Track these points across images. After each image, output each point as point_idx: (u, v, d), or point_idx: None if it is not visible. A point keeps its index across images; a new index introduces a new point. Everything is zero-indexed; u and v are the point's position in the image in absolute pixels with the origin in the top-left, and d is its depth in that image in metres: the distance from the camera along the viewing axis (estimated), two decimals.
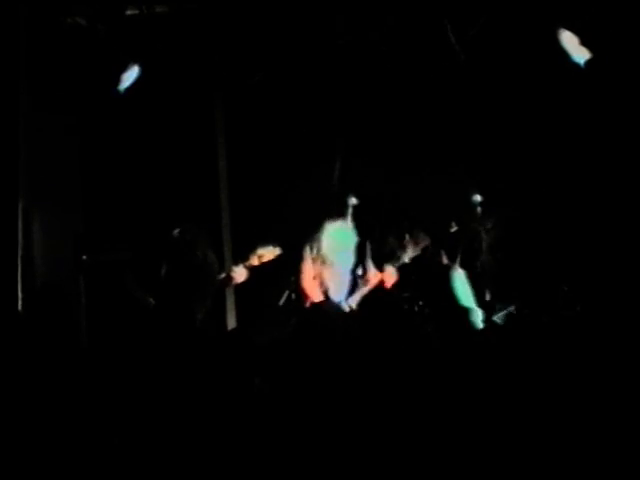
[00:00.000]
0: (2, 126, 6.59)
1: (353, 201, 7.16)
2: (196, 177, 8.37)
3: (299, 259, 7.07)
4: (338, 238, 6.91)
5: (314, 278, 6.98)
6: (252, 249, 6.83)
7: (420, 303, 7.04)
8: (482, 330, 6.10)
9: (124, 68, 7.41)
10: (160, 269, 6.66)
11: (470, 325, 5.92)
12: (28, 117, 6.71)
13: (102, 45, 7.44)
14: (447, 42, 7.51)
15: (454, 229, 7.36)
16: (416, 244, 7.56)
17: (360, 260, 7.04)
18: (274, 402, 4.05)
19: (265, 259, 6.85)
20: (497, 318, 6.23)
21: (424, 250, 7.56)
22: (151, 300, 6.59)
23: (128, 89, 7.46)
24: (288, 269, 7.21)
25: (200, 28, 7.53)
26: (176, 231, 6.73)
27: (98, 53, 7.50)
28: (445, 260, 7.52)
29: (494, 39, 7.53)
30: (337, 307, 6.16)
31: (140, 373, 4.85)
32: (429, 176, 8.12)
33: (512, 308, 6.29)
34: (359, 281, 7.02)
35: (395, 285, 7.20)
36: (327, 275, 6.96)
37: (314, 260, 7.01)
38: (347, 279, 6.90)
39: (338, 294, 6.83)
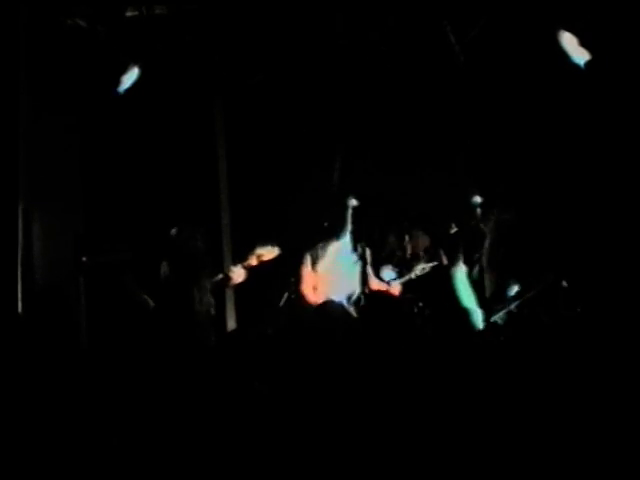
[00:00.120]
0: (2, 126, 6.59)
1: (353, 202, 7.16)
2: (196, 178, 8.38)
3: (299, 261, 7.08)
4: (338, 259, 6.95)
5: (314, 288, 7.02)
6: (252, 249, 6.83)
7: (420, 304, 7.05)
8: (482, 330, 6.11)
9: (124, 69, 7.42)
10: (159, 269, 6.66)
11: (470, 326, 5.93)
12: (28, 117, 6.71)
13: (102, 46, 7.45)
14: (447, 43, 7.51)
15: (454, 230, 7.36)
16: (416, 246, 7.56)
17: (361, 267, 7.05)
18: (273, 403, 4.06)
19: (264, 259, 6.85)
20: (497, 317, 6.23)
21: (425, 251, 7.57)
22: (150, 301, 6.59)
23: (128, 90, 7.47)
24: (288, 270, 7.22)
25: (200, 29, 7.53)
26: (173, 230, 6.73)
27: (98, 54, 7.50)
28: (445, 260, 7.53)
29: (494, 40, 7.54)
30: (340, 307, 6.16)
31: (140, 373, 4.85)
32: (429, 177, 8.13)
33: (512, 307, 6.29)
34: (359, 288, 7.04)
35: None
36: (326, 282, 6.99)
37: (313, 270, 7.04)
38: (346, 282, 6.91)
39: (338, 296, 6.83)
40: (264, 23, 7.51)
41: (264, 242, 6.89)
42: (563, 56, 7.19)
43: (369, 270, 7.10)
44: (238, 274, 6.78)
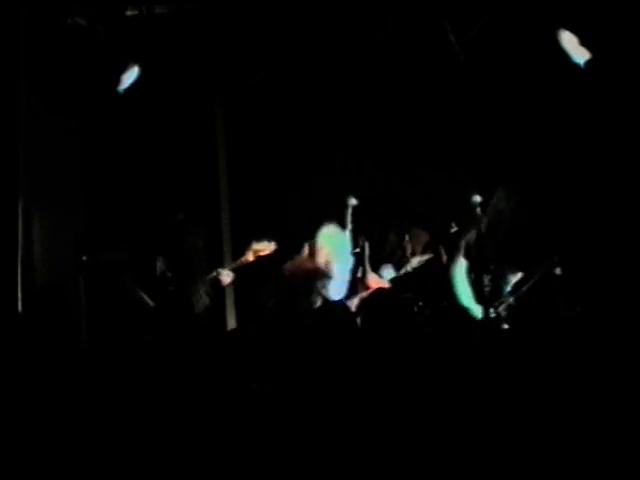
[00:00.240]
0: (2, 126, 6.59)
1: (353, 202, 7.16)
2: (196, 177, 8.38)
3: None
4: (333, 244, 6.91)
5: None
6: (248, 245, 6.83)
7: (420, 304, 7.05)
8: (482, 329, 6.11)
9: (124, 69, 7.42)
10: (155, 266, 6.64)
11: (470, 325, 5.92)
12: (28, 117, 6.71)
13: (102, 46, 7.45)
14: (447, 43, 7.51)
15: (454, 229, 7.36)
16: (416, 244, 7.57)
17: (359, 262, 7.05)
18: (273, 403, 4.06)
19: (260, 254, 6.85)
20: (498, 311, 6.24)
21: (425, 248, 7.57)
22: (148, 300, 6.58)
23: (128, 89, 7.47)
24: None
25: (200, 28, 7.53)
26: (167, 220, 6.71)
27: (98, 54, 7.50)
28: (444, 255, 7.53)
29: (494, 40, 7.53)
30: (342, 307, 6.16)
31: (140, 373, 4.85)
32: (429, 176, 8.13)
33: (511, 300, 6.31)
34: (358, 284, 7.03)
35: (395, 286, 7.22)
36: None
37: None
38: (345, 281, 6.90)
39: (337, 295, 6.83)
40: (264, 23, 7.51)
41: (260, 237, 6.89)
42: (563, 55, 7.19)
43: (367, 265, 7.09)
44: (226, 276, 6.76)
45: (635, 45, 7.22)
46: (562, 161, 7.74)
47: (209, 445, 3.92)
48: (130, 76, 7.43)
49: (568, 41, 7.14)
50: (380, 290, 6.40)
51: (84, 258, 7.26)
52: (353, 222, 7.10)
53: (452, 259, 7.17)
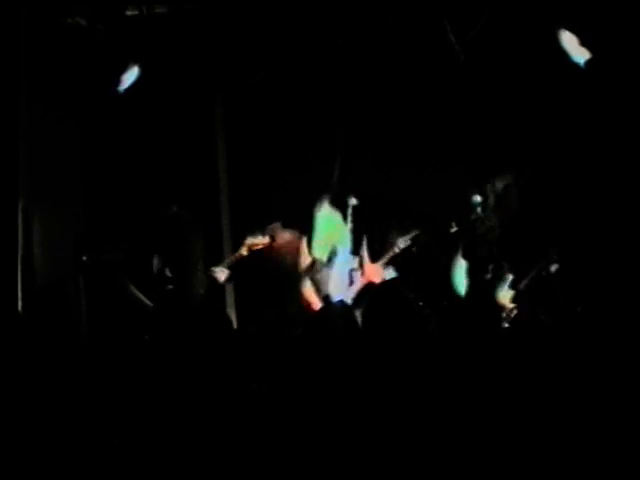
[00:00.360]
0: (2, 126, 6.59)
1: (353, 201, 7.16)
2: (196, 177, 8.37)
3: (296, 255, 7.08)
4: (327, 229, 6.90)
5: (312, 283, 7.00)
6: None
7: (420, 303, 7.04)
8: (485, 328, 6.10)
9: (124, 68, 7.42)
10: (151, 265, 6.64)
11: (470, 324, 5.91)
12: (28, 117, 6.71)
13: (102, 45, 7.45)
14: (447, 42, 7.50)
15: (454, 229, 7.36)
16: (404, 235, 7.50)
17: (356, 252, 7.04)
18: (273, 404, 4.06)
19: (255, 248, 6.84)
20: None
21: (414, 239, 7.49)
22: (146, 300, 6.58)
23: (128, 89, 7.47)
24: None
25: (200, 28, 7.53)
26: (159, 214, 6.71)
27: (98, 53, 7.50)
28: (444, 258, 7.53)
29: (494, 39, 7.53)
30: (343, 307, 6.15)
31: (140, 373, 4.85)
32: (429, 176, 8.12)
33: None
34: (355, 274, 7.02)
35: (398, 283, 7.19)
36: (324, 278, 6.98)
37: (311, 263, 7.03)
38: (346, 279, 6.90)
39: (338, 293, 6.83)
40: (264, 23, 7.51)
41: (255, 232, 6.89)
42: (563, 55, 7.19)
43: (365, 255, 7.07)
44: (221, 272, 6.76)
45: (635, 45, 7.22)
46: (562, 161, 7.74)
47: (209, 445, 3.92)
48: (130, 76, 7.43)
49: (568, 41, 7.14)
50: (379, 285, 6.41)
51: (84, 258, 7.26)
52: (353, 222, 7.10)
53: (451, 258, 7.18)
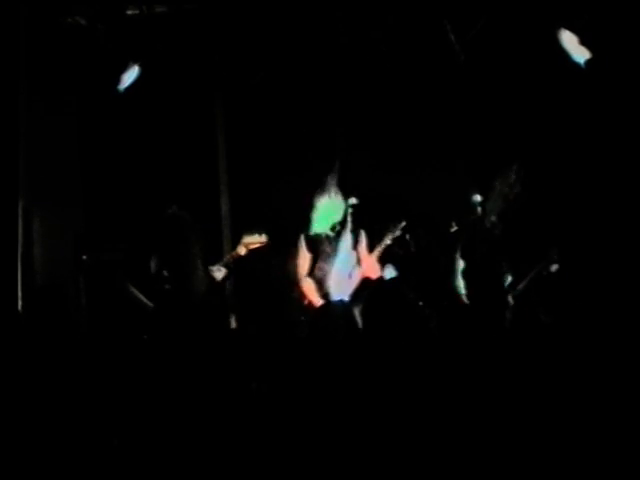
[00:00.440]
0: (2, 126, 6.59)
1: (353, 201, 7.15)
2: (196, 177, 8.37)
3: (295, 254, 7.07)
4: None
5: (311, 276, 6.98)
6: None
7: (420, 303, 7.03)
8: (485, 328, 6.10)
9: (124, 68, 7.42)
10: (150, 264, 6.63)
11: (470, 324, 5.91)
12: (28, 117, 6.71)
13: (102, 45, 7.45)
14: (447, 42, 7.51)
15: (454, 229, 7.36)
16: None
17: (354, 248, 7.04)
18: (272, 403, 4.05)
19: (252, 247, 6.84)
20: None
21: (404, 229, 7.43)
22: (145, 299, 6.57)
23: (128, 89, 7.47)
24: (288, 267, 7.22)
25: (200, 28, 7.53)
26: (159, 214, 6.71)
27: (98, 53, 7.51)
28: (444, 257, 7.53)
29: (494, 39, 7.53)
30: (342, 308, 6.15)
31: (140, 373, 4.85)
32: (429, 176, 8.12)
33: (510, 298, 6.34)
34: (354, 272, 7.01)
35: (398, 283, 7.19)
36: (325, 272, 6.97)
37: (311, 254, 7.00)
38: (346, 279, 6.90)
39: (339, 291, 6.83)
40: (264, 22, 7.51)
41: (252, 231, 6.89)
42: (563, 55, 7.20)
43: (363, 249, 7.06)
44: (218, 271, 6.75)
45: (635, 45, 7.22)
46: (562, 161, 7.74)
47: (209, 444, 3.92)
48: (130, 76, 7.44)
49: (568, 41, 7.14)
50: (378, 284, 6.40)
51: (84, 258, 7.27)
52: (353, 222, 7.10)
53: (451, 257, 7.18)
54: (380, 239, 7.21)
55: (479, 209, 7.06)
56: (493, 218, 6.93)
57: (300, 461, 3.75)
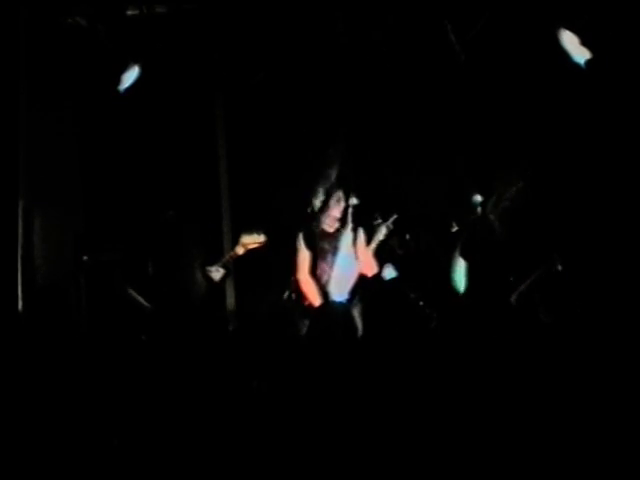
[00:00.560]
0: (2, 126, 6.60)
1: (353, 201, 7.15)
2: (196, 177, 8.37)
3: (294, 253, 7.07)
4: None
5: (311, 275, 6.97)
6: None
7: (421, 303, 7.04)
8: (483, 326, 6.11)
9: (124, 68, 7.42)
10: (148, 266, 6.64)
11: (470, 324, 5.92)
12: (28, 117, 6.71)
13: (102, 45, 7.45)
14: (447, 42, 7.51)
15: (454, 229, 7.36)
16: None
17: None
18: (273, 403, 4.06)
19: (250, 247, 6.84)
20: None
21: (395, 222, 7.41)
22: (142, 300, 6.58)
23: (128, 89, 7.47)
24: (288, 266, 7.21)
25: (200, 28, 7.53)
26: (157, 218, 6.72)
27: (98, 53, 7.51)
28: (444, 257, 7.53)
29: (495, 39, 7.53)
30: (342, 309, 6.14)
31: (140, 373, 4.85)
32: (429, 176, 8.13)
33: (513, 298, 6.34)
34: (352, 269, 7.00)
35: (398, 283, 7.19)
36: (325, 271, 6.96)
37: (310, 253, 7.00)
38: (346, 279, 6.90)
39: (339, 291, 6.83)
40: (265, 22, 7.51)
41: (250, 231, 6.89)
42: (564, 55, 7.20)
43: (361, 247, 7.05)
44: (216, 272, 6.75)
45: (635, 45, 7.22)
46: (563, 161, 7.74)
47: (209, 444, 3.92)
48: (130, 76, 7.44)
49: (568, 41, 7.14)
50: (377, 283, 6.39)
51: (84, 258, 7.27)
52: (353, 222, 7.10)
53: (451, 257, 7.19)
54: (374, 235, 7.20)
55: (479, 209, 7.07)
56: (492, 217, 6.94)
57: (300, 460, 3.75)
